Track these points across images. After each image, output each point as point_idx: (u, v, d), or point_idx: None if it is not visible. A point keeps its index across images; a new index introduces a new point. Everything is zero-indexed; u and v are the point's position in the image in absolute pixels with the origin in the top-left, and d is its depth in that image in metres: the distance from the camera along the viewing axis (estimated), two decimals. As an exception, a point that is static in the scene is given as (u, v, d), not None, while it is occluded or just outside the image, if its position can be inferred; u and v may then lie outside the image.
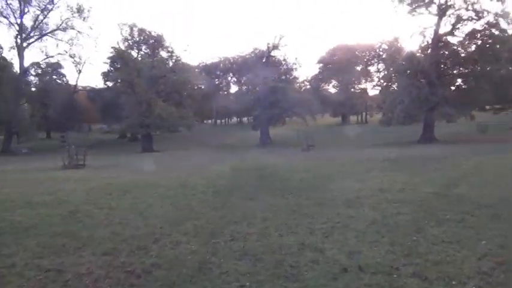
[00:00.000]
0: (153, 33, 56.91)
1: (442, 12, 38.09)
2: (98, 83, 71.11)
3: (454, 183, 9.98)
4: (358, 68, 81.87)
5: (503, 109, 53.34)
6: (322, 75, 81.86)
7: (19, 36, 48.91)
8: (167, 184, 12.11)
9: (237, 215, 7.62)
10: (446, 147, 28.27)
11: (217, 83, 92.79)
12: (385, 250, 5.16)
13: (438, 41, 38.94)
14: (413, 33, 39.24)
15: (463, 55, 39.39)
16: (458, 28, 38.52)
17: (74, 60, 58.46)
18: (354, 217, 6.90)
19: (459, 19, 38.00)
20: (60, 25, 52.83)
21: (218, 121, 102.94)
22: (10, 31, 53.73)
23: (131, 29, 58.87)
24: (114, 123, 59.43)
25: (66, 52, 55.96)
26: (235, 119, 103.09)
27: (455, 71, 41.11)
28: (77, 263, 5.29)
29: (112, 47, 56.83)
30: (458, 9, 37.78)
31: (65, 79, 65.81)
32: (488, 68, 37.62)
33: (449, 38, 39.62)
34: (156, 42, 56.81)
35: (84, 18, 53.38)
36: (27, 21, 51.60)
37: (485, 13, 36.85)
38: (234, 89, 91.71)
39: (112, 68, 59.80)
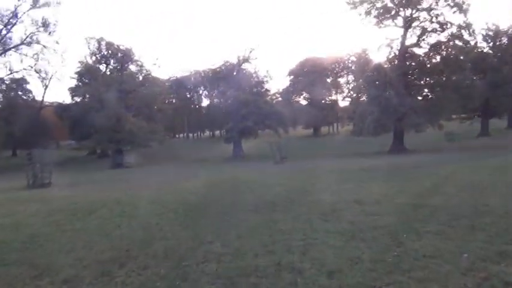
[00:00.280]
0: (121, 47, 56.16)
1: (407, 24, 39.18)
2: (66, 98, 69.22)
3: (429, 193, 9.92)
4: (328, 80, 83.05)
5: (469, 118, 55.07)
6: (293, 88, 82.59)
7: (-19, 52, 47.14)
8: (136, 202, 11.59)
9: (209, 233, 7.24)
10: (417, 156, 28.74)
11: (188, 96, 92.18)
12: (366, 268, 4.92)
13: (405, 52, 39.95)
14: (380, 45, 40.10)
15: (428, 66, 40.49)
16: (423, 40, 39.69)
17: (40, 76, 56.80)
18: (331, 232, 6.65)
19: (424, 31, 39.17)
20: (25, 39, 51.29)
21: (190, 135, 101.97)
22: (-29, 46, 51.62)
23: (99, 43, 57.95)
24: (83, 139, 57.87)
25: (32, 67, 54.34)
26: (207, 132, 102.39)
27: (422, 82, 42.19)
28: (32, 295, 4.80)
29: (79, 62, 55.78)
30: (423, 22, 39.00)
31: (31, 95, 63.83)
32: (453, 78, 38.79)
33: (416, 50, 40.77)
34: (124, 56, 56.06)
35: (50, 32, 52.00)
36: (-11, 36, 49.78)
37: (449, 25, 38.09)
38: (205, 102, 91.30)
39: (80, 83, 58.49)
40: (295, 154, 38.56)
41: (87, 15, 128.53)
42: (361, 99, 58.61)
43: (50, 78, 57.68)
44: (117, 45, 56.73)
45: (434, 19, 38.55)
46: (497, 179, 11.24)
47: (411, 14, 39.05)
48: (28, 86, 62.29)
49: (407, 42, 39.97)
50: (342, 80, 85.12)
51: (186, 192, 13.52)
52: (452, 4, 37.74)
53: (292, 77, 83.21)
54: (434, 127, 41.14)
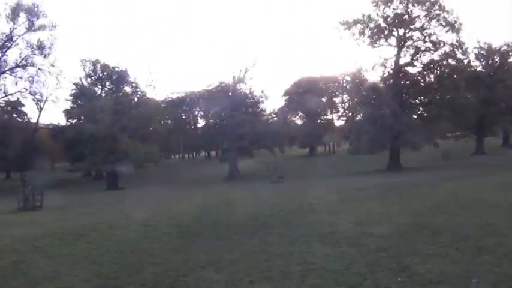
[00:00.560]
0: (116, 69, 56.15)
1: (401, 44, 39.48)
2: (62, 120, 68.97)
3: (430, 212, 9.61)
4: (323, 100, 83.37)
5: (464, 136, 55.17)
6: (289, 107, 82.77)
7: (-24, 75, 46.98)
8: (128, 225, 11.19)
9: (202, 258, 6.87)
10: (415, 174, 28.45)
11: (184, 117, 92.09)
12: (369, 296, 4.58)
13: (399, 71, 40.13)
14: (375, 64, 40.23)
15: (423, 84, 40.67)
16: (417, 59, 39.89)
17: (35, 98, 56.53)
18: (331, 256, 6.30)
19: (417, 50, 39.44)
20: (20, 62, 51.25)
21: (186, 155, 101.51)
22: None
23: (94, 65, 58.01)
24: (78, 160, 57.32)
25: (26, 90, 54.09)
26: (203, 153, 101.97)
27: (416, 100, 42.29)
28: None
29: (74, 84, 55.63)
30: (417, 41, 39.29)
31: (26, 117, 63.43)
32: (447, 96, 38.90)
33: (410, 69, 40.99)
34: (119, 78, 55.99)
35: (45, 55, 51.97)
36: (-16, 59, 49.73)
37: (442, 44, 38.42)
38: (201, 122, 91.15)
39: (75, 105, 58.33)
40: (292, 174, 38.21)
41: (82, 36, 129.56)
42: (357, 118, 58.77)
43: (45, 100, 57.38)
44: (112, 67, 56.76)
45: (427, 38, 38.90)
46: (499, 198, 10.95)
47: (404, 34, 39.40)
48: (23, 109, 61.95)
49: (401, 62, 40.20)
50: (336, 100, 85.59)
51: (180, 213, 13.14)
52: (444, 24, 38.19)
53: (287, 96, 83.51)
54: (430, 145, 41.03)
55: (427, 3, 38.14)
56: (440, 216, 8.98)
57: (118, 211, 15.70)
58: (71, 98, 58.80)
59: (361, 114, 48.72)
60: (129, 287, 5.64)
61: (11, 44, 49.49)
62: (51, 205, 22.13)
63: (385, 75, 41.02)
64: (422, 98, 41.77)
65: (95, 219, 13.12)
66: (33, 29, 49.64)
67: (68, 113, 61.60)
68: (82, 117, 54.10)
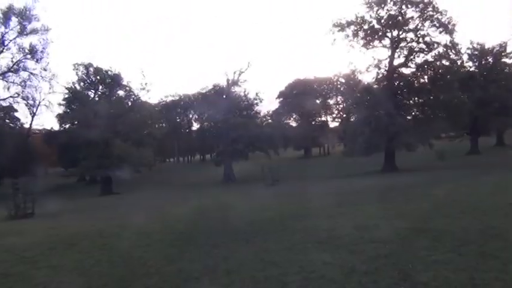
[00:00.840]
0: (109, 72, 55.80)
1: (395, 45, 39.44)
2: (55, 125, 68.31)
3: (429, 215, 9.40)
4: (318, 101, 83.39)
5: (458, 136, 55.25)
6: (283, 110, 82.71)
7: (-33, 80, 46.44)
8: (120, 232, 10.90)
9: (196, 268, 6.62)
10: (411, 176, 28.31)
11: (178, 120, 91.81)
12: (371, 307, 4.36)
13: (393, 72, 40.06)
14: (369, 65, 40.17)
15: (417, 85, 40.62)
16: (411, 60, 39.87)
17: (28, 103, 56.00)
18: (330, 264, 6.06)
19: (411, 51, 39.41)
20: (12, 67, 50.72)
21: (181, 159, 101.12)
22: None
23: (87, 69, 57.66)
24: (72, 166, 56.79)
25: (19, 95, 53.56)
26: (198, 156, 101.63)
27: (411, 101, 42.24)
28: None
29: (67, 88, 55.16)
30: (410, 42, 39.25)
31: (18, 123, 62.77)
32: (441, 97, 38.87)
33: (404, 70, 40.93)
34: (113, 82, 55.66)
35: (38, 59, 51.50)
36: (-24, 64, 49.23)
37: (436, 45, 38.43)
38: (195, 126, 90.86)
39: (68, 110, 57.87)
40: (287, 176, 38.00)
41: (76, 40, 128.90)
42: (351, 119, 58.72)
43: (38, 105, 56.85)
44: (106, 71, 56.42)
45: (421, 39, 38.90)
46: (498, 199, 10.78)
47: (398, 35, 39.37)
48: (16, 114, 61.29)
49: (395, 63, 40.17)
50: (331, 101, 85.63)
51: (174, 220, 12.87)
52: (438, 25, 38.21)
53: (281, 99, 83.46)
54: (424, 146, 40.97)
55: (421, 5, 38.14)
56: (440, 219, 8.78)
57: (111, 217, 15.41)
58: (64, 102, 58.27)
59: (356, 116, 48.65)
60: (119, 300, 5.37)
61: (3, 49, 49.02)
62: (43, 212, 21.84)
63: (379, 77, 40.96)
64: (416, 99, 41.72)
65: (87, 226, 12.83)
66: (25, 33, 49.22)
67: (61, 118, 61.11)
68: (75, 122, 53.68)
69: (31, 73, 51.18)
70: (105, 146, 44.34)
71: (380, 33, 39.55)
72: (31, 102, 55.26)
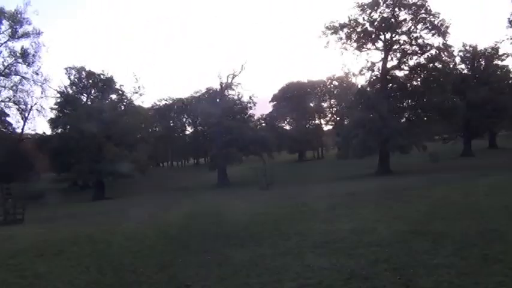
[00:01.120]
0: (102, 76, 55.34)
1: (388, 47, 39.47)
2: (48, 129, 67.63)
3: (427, 218, 9.22)
4: (311, 105, 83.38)
5: (451, 138, 55.42)
6: (277, 113, 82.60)
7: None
8: (110, 238, 10.58)
9: (189, 274, 6.37)
10: (405, 178, 28.20)
11: (171, 124, 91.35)
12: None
13: (386, 75, 40.09)
14: (362, 68, 40.15)
15: (410, 88, 40.67)
16: (404, 62, 39.94)
17: (19, 107, 55.18)
18: (327, 269, 5.83)
19: (404, 54, 39.50)
20: (3, 71, 50.02)
21: (174, 163, 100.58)
22: None
23: (79, 73, 57.10)
24: (64, 170, 56.16)
25: (10, 99, 52.78)
26: (191, 160, 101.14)
27: (404, 104, 42.28)
28: None
29: (58, 92, 54.58)
30: (403, 45, 39.31)
31: (10, 127, 61.89)
32: (434, 100, 38.93)
33: (397, 72, 40.99)
34: (105, 85, 55.20)
35: (29, 63, 50.79)
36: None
37: (428, 47, 38.52)
38: (189, 129, 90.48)
39: (61, 114, 57.22)
40: (281, 179, 37.78)
41: (68, 44, 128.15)
42: (345, 122, 58.73)
43: (30, 109, 56.05)
44: (98, 74, 55.94)
45: (414, 42, 39.01)
46: (495, 201, 10.63)
47: (391, 38, 39.42)
48: (8, 118, 60.38)
49: (389, 65, 40.20)
50: (324, 104, 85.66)
51: (166, 225, 12.59)
52: (430, 27, 38.33)
53: (275, 102, 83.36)
54: (418, 148, 40.98)
55: (413, 7, 38.28)
56: (439, 222, 8.59)
57: (102, 223, 15.06)
58: (56, 106, 57.60)
59: (350, 119, 48.60)
60: (107, 310, 5.10)
61: (-6, 53, 48.34)
62: (33, 218, 21.41)
63: (372, 79, 40.97)
64: (409, 101, 41.80)
65: (77, 232, 12.48)
66: (16, 36, 48.54)
67: (53, 122, 60.43)
68: (68, 127, 53.06)
69: (23, 77, 50.45)
70: (98, 151, 43.92)
71: (373, 36, 39.60)
72: (23, 106, 54.38)
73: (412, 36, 38.80)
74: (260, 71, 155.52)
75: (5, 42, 48.27)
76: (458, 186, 16.69)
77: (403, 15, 38.77)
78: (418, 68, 39.78)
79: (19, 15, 47.65)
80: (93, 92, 58.85)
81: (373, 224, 9.04)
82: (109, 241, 10.18)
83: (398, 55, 39.95)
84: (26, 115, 56.53)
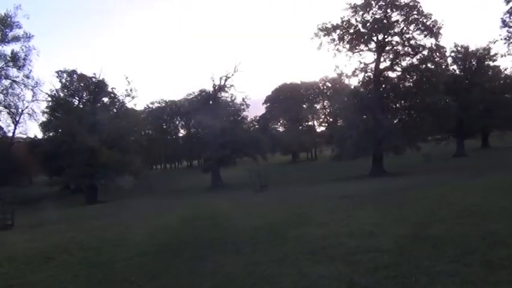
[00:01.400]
0: (94, 79, 54.83)
1: (380, 48, 39.46)
2: (39, 133, 66.86)
3: (425, 221, 9.00)
4: (305, 106, 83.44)
5: (444, 139, 55.54)
6: (270, 115, 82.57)
7: None
8: (101, 245, 10.30)
9: (181, 284, 6.12)
10: (399, 179, 28.14)
11: (164, 127, 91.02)
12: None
13: (379, 76, 40.08)
14: (355, 69, 40.14)
15: (402, 89, 40.68)
16: (397, 63, 39.96)
17: (10, 111, 54.45)
18: (325, 277, 5.59)
19: (397, 55, 39.52)
20: (-7, 75, 49.27)
21: (168, 166, 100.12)
22: None
23: (71, 76, 56.55)
24: (56, 174, 55.53)
25: (1, 103, 52.05)
26: (185, 162, 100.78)
27: (397, 105, 42.29)
28: None
29: (50, 96, 53.97)
30: (396, 46, 39.33)
31: (1, 131, 61.09)
32: (427, 100, 38.96)
33: (390, 73, 41.04)
34: (97, 88, 54.66)
35: (20, 67, 50.13)
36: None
37: (421, 48, 38.58)
38: (182, 132, 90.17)
39: (52, 118, 56.65)
40: (275, 181, 37.58)
41: (60, 47, 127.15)
42: (338, 123, 58.65)
43: (21, 113, 55.35)
44: (90, 77, 55.40)
45: (406, 43, 39.04)
46: (494, 202, 10.45)
47: (384, 39, 39.40)
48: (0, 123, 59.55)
49: (381, 66, 40.20)
50: (318, 106, 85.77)
51: (158, 230, 12.31)
52: (423, 28, 38.38)
53: (268, 104, 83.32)
54: (412, 149, 41.00)
55: (406, 8, 38.31)
56: (437, 225, 8.38)
57: (93, 228, 14.75)
58: (48, 110, 57.00)
59: (343, 120, 48.53)
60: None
61: (-17, 56, 47.63)
62: (24, 223, 21.09)
63: (365, 81, 40.95)
64: (402, 102, 41.82)
65: (67, 238, 12.18)
66: (6, 40, 47.91)
67: (44, 126, 59.87)
68: (59, 130, 52.54)
69: (13, 81, 49.77)
70: (90, 154, 43.43)
71: (366, 37, 39.57)
72: (14, 110, 53.69)
73: (405, 37, 38.87)
74: (253, 73, 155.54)
75: (-5, 46, 47.60)
76: (453, 187, 16.54)
77: (395, 16, 38.84)
78: (411, 69, 39.80)
79: (9, 19, 47.07)
80: (85, 95, 58.26)
81: (371, 227, 8.82)
82: (99, 248, 9.90)
83: (391, 56, 40.00)
84: (17, 119, 55.92)
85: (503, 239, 6.58)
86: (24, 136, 64.02)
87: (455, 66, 54.65)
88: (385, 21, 38.63)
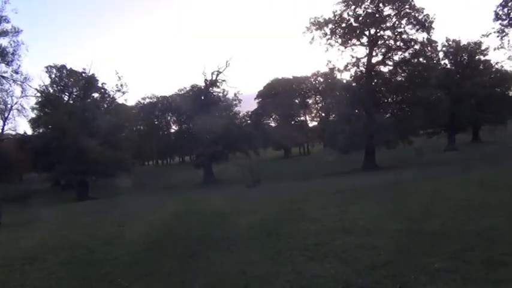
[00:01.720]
0: (84, 74, 54.10)
1: (372, 43, 39.32)
2: (29, 129, 66.04)
3: (420, 216, 8.87)
4: (297, 101, 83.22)
5: (436, 133, 55.72)
6: (262, 110, 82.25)
7: None
8: (89, 243, 10.01)
9: (170, 283, 5.89)
10: (392, 173, 28.04)
11: (156, 123, 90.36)
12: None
13: (371, 70, 39.95)
14: (347, 63, 39.94)
15: (395, 83, 40.62)
16: (389, 58, 39.86)
17: (-2, 107, 53.55)
18: (320, 276, 5.40)
19: (389, 49, 39.40)
20: (-20, 70, 48.36)
21: (160, 162, 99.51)
22: None
23: (60, 71, 55.84)
24: (46, 171, 54.91)
25: (-12, 99, 51.15)
26: (177, 158, 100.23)
27: (389, 99, 42.27)
28: None
29: (39, 92, 53.22)
30: (388, 40, 39.21)
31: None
32: (419, 95, 38.96)
33: (382, 68, 40.92)
34: (87, 84, 53.96)
35: (8, 62, 49.24)
36: None
37: (413, 42, 38.50)
38: (174, 127, 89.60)
39: (42, 114, 55.97)
40: (268, 176, 37.36)
41: (49, 42, 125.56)
42: (330, 118, 58.64)
43: (10, 109, 54.48)
44: (80, 72, 54.67)
45: (398, 37, 38.93)
46: (488, 197, 10.35)
47: (376, 33, 39.24)
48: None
49: (374, 61, 40.06)
50: (310, 101, 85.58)
51: (150, 226, 12.06)
52: (415, 22, 38.28)
53: (260, 99, 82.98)
54: (404, 143, 41.04)
55: (398, 3, 38.15)
56: (433, 220, 8.24)
57: (82, 226, 14.45)
58: (37, 106, 56.25)
59: (335, 115, 48.48)
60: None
61: (-30, 52, 46.68)
62: (12, 221, 20.69)
63: (358, 75, 40.80)
64: (394, 96, 41.80)
65: (54, 237, 11.88)
66: (-7, 35, 46.98)
67: (34, 122, 59.15)
68: (49, 126, 51.92)
69: (2, 76, 48.83)
70: (80, 150, 42.90)
71: (358, 31, 39.36)
72: (2, 106, 52.86)
73: (397, 31, 38.72)
74: (245, 68, 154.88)
75: (-19, 41, 46.65)
76: (446, 181, 16.49)
77: (387, 10, 38.66)
78: (403, 63, 39.72)
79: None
80: (74, 90, 57.55)
81: (366, 223, 8.66)
82: (87, 246, 9.63)
83: (383, 50, 39.85)
84: (6, 115, 55.14)
85: (503, 234, 6.45)
86: (14, 132, 63.20)
87: (446, 61, 54.77)
88: (377, 15, 38.46)
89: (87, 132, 45.03)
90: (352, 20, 39.23)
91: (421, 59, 39.83)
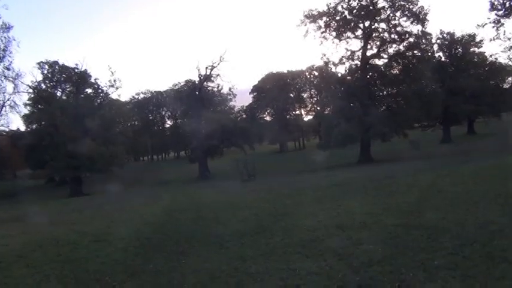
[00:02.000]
0: (76, 70, 53.47)
1: (367, 36, 39.05)
2: (22, 126, 65.38)
3: (417, 209, 8.67)
4: (292, 95, 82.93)
5: (430, 126, 55.69)
6: (257, 104, 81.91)
7: None
8: (78, 240, 9.74)
9: (161, 282, 5.66)
10: (387, 166, 27.95)
11: (151, 118, 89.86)
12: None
13: (366, 63, 39.71)
14: (342, 57, 39.66)
15: (389, 76, 40.44)
16: (383, 50, 39.63)
17: (-10, 104, 52.85)
18: (316, 274, 5.18)
19: (384, 42, 39.15)
20: (-29, 67, 47.67)
21: (155, 157, 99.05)
22: None
23: (52, 67, 55.18)
24: (40, 167, 54.46)
25: (-21, 96, 50.43)
26: (172, 153, 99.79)
27: (384, 92, 42.10)
28: None
29: (31, 88, 52.58)
30: (382, 32, 38.96)
31: (-18, 125, 59.40)
32: (414, 87, 38.80)
33: (376, 61, 40.69)
34: (80, 80, 53.36)
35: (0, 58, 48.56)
36: None
37: (407, 35, 38.27)
38: (169, 122, 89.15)
39: (35, 110, 55.44)
40: (263, 171, 37.15)
41: (42, 37, 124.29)
42: (325, 112, 58.35)
43: (2, 106, 53.80)
44: (72, 68, 54.04)
45: (393, 30, 38.68)
46: (485, 189, 10.18)
47: (370, 26, 38.98)
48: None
49: (368, 54, 39.82)
50: (304, 95, 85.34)
51: (141, 223, 11.79)
52: (409, 14, 38.03)
53: (255, 93, 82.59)
54: (399, 136, 40.95)
55: (391, -5, 37.86)
56: (431, 213, 8.04)
57: (73, 222, 14.15)
58: (30, 102, 55.65)
59: (330, 108, 48.23)
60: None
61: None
62: (3, 217, 20.31)
63: (352, 68, 40.56)
64: (389, 89, 41.63)
65: (44, 234, 11.57)
66: (-17, 31, 46.26)
67: (27, 119, 58.63)
68: (42, 122, 51.48)
69: (-8, 73, 48.20)
70: (74, 146, 42.49)
71: (352, 24, 39.09)
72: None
73: (391, 24, 38.51)
74: (240, 63, 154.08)
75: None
76: (443, 173, 16.30)
77: (381, 2, 38.41)
78: (398, 56, 39.53)
79: (-14, 10, 45.41)
80: (67, 86, 56.97)
81: (362, 217, 8.45)
82: (76, 244, 9.36)
83: (377, 43, 39.63)
84: (-2, 112, 54.46)
85: (502, 228, 6.26)
86: (7, 129, 62.52)
87: (441, 53, 54.61)
88: (371, 7, 38.17)
89: (80, 128, 44.62)
90: (346, 12, 38.95)
91: (415, 52, 39.63)
